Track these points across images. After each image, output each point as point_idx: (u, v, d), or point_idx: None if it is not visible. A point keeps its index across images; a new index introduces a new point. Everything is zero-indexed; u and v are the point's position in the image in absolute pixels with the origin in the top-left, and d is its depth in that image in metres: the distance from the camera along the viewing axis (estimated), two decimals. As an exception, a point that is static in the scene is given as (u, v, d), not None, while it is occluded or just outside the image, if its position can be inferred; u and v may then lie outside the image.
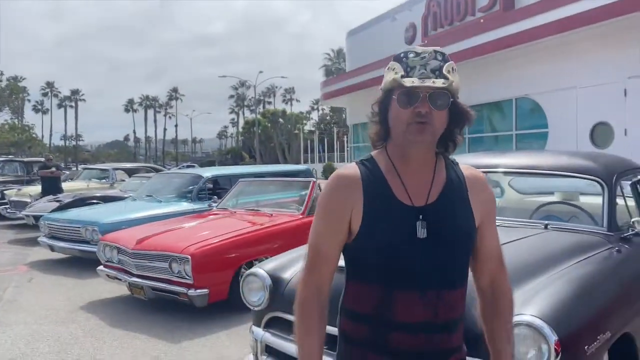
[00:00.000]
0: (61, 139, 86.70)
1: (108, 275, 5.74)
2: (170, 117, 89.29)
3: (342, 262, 1.46)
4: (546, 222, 3.34)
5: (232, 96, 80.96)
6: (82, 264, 7.61)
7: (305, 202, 6.06)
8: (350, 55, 20.11)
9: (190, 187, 8.53)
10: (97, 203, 9.64)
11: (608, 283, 2.69)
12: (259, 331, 3.01)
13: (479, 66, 12.12)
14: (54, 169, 12.37)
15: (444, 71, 1.29)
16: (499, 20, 11.32)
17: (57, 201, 10.37)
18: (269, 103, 77.80)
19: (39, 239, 8.16)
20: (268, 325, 2.99)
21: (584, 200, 3.87)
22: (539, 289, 2.39)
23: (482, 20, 12.17)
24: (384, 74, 1.36)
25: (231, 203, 6.97)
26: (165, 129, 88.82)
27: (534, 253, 2.79)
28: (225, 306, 5.12)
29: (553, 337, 2.04)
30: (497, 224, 3.33)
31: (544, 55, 10.83)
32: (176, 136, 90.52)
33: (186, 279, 4.85)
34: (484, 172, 3.70)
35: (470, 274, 1.48)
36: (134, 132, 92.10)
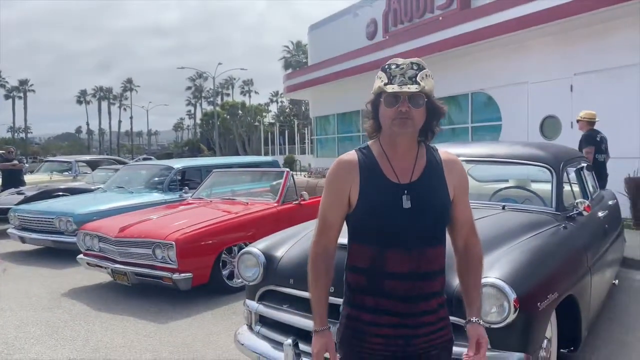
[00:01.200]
0: (8, 131, 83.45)
1: (88, 264, 5.91)
2: (125, 109, 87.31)
3: (342, 240, 1.82)
4: (503, 203, 3.81)
5: (189, 88, 79.81)
6: (55, 254, 7.70)
7: (280, 191, 6.37)
8: (313, 49, 20.39)
9: (161, 179, 8.71)
10: (63, 195, 9.63)
11: (556, 253, 3.15)
12: (253, 304, 3.33)
13: (437, 62, 12.64)
14: (15, 161, 12.19)
15: (418, 79, 1.65)
16: (456, 19, 11.86)
17: (20, 194, 10.29)
18: (227, 95, 77.12)
19: (8, 230, 8.16)
20: (261, 298, 3.32)
21: (535, 186, 4.36)
22: (500, 257, 2.82)
23: (440, 18, 12.71)
24: (375, 80, 1.70)
25: (205, 193, 7.21)
26: (120, 121, 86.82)
27: (494, 229, 3.23)
28: (205, 290, 5.41)
29: (512, 295, 2.46)
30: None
31: (498, 53, 11.45)
32: (131, 128, 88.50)
33: (170, 263, 5.10)
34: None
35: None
36: (87, 124, 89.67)
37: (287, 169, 6.88)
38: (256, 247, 3.43)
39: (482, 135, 12.39)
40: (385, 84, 1.66)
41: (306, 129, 38.67)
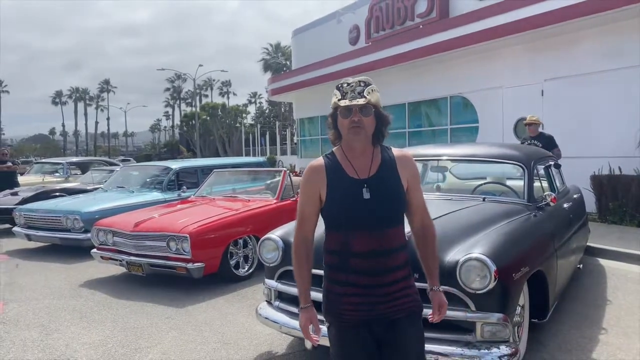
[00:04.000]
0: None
1: (102, 257, 6.37)
2: (102, 110, 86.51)
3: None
4: (484, 196, 4.44)
5: (167, 89, 79.46)
6: (61, 250, 8.13)
7: (279, 189, 6.92)
8: (296, 53, 20.96)
9: (160, 179, 9.17)
10: (60, 196, 10.00)
11: (527, 236, 3.78)
12: (273, 282, 3.89)
13: (418, 67, 13.37)
14: (9, 163, 12.43)
15: (365, 93, 2.03)
16: (436, 28, 12.54)
17: (14, 194, 10.61)
18: (206, 96, 77.08)
19: (14, 229, 8.53)
20: (280, 278, 3.88)
21: (508, 182, 5.01)
22: (482, 238, 3.43)
23: (421, 26, 13.39)
24: (332, 97, 2.07)
25: (207, 191, 7.72)
26: (97, 122, 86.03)
27: (477, 216, 3.85)
28: (214, 279, 5.93)
29: (493, 267, 3.06)
30: (448, 198, 4.45)
31: (475, 59, 12.18)
32: (108, 129, 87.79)
33: (184, 254, 5.61)
34: (436, 159, 4.78)
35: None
36: (63, 125, 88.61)
37: (285, 169, 7.43)
38: (275, 234, 3.98)
39: (460, 137, 13.09)
40: (339, 99, 2.06)
41: (287, 130, 39.15)
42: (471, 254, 3.16)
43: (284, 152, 36.36)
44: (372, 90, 2.07)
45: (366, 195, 2.03)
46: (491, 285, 3.06)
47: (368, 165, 2.09)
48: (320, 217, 2.19)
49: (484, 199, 4.37)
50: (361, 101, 2.02)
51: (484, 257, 3.11)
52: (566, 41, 10.20)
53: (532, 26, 10.05)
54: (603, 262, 6.57)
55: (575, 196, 5.74)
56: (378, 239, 2.03)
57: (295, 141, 26.67)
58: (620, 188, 8.52)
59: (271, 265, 3.89)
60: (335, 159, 2.13)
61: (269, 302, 3.95)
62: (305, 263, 2.20)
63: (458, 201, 4.32)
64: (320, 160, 2.16)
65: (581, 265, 5.72)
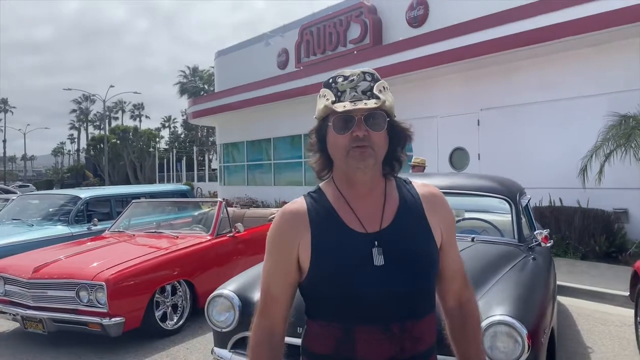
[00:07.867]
0: None
1: (-11, 310, 5.08)
2: (-5, 132, 79.53)
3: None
4: (472, 235, 3.83)
5: (74, 110, 74.60)
6: None
7: (214, 223, 5.97)
8: (220, 75, 20.00)
9: (67, 209, 7.89)
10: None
11: (536, 287, 3.19)
12: (225, 353, 3.00)
13: (350, 93, 12.95)
14: None
15: (375, 91, 1.26)
16: (369, 54, 12.24)
17: None
18: (116, 119, 73.13)
19: None
20: (236, 346, 2.99)
21: (488, 217, 4.46)
22: (496, 292, 2.79)
23: (355, 52, 13.06)
24: (317, 102, 1.32)
25: (124, 225, 6.60)
26: (-10, 145, 78.84)
27: (477, 262, 3.21)
28: (135, 334, 4.86)
29: (524, 331, 2.42)
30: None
31: (409, 87, 11.94)
32: (4, 152, 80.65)
33: (99, 307, 4.51)
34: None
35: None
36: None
37: (221, 199, 6.50)
38: (227, 289, 3.10)
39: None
40: (333, 102, 1.25)
41: (204, 155, 37.71)
42: (494, 315, 2.49)
43: (201, 179, 34.93)
44: (384, 87, 1.28)
45: (378, 260, 1.23)
46: (524, 356, 2.39)
47: (379, 209, 1.29)
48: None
49: (472, 239, 3.75)
50: (371, 103, 1.23)
51: (510, 319, 2.46)
52: (503, 71, 10.18)
53: (468, 55, 9.96)
54: (561, 299, 6.23)
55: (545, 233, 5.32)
56: (398, 337, 1.23)
57: (214, 167, 25.46)
58: (562, 220, 8.40)
59: (224, 330, 3.01)
60: (324, 199, 1.32)
61: (221, 378, 3.04)
62: None
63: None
64: (299, 203, 1.34)
65: (551, 307, 5.29)
